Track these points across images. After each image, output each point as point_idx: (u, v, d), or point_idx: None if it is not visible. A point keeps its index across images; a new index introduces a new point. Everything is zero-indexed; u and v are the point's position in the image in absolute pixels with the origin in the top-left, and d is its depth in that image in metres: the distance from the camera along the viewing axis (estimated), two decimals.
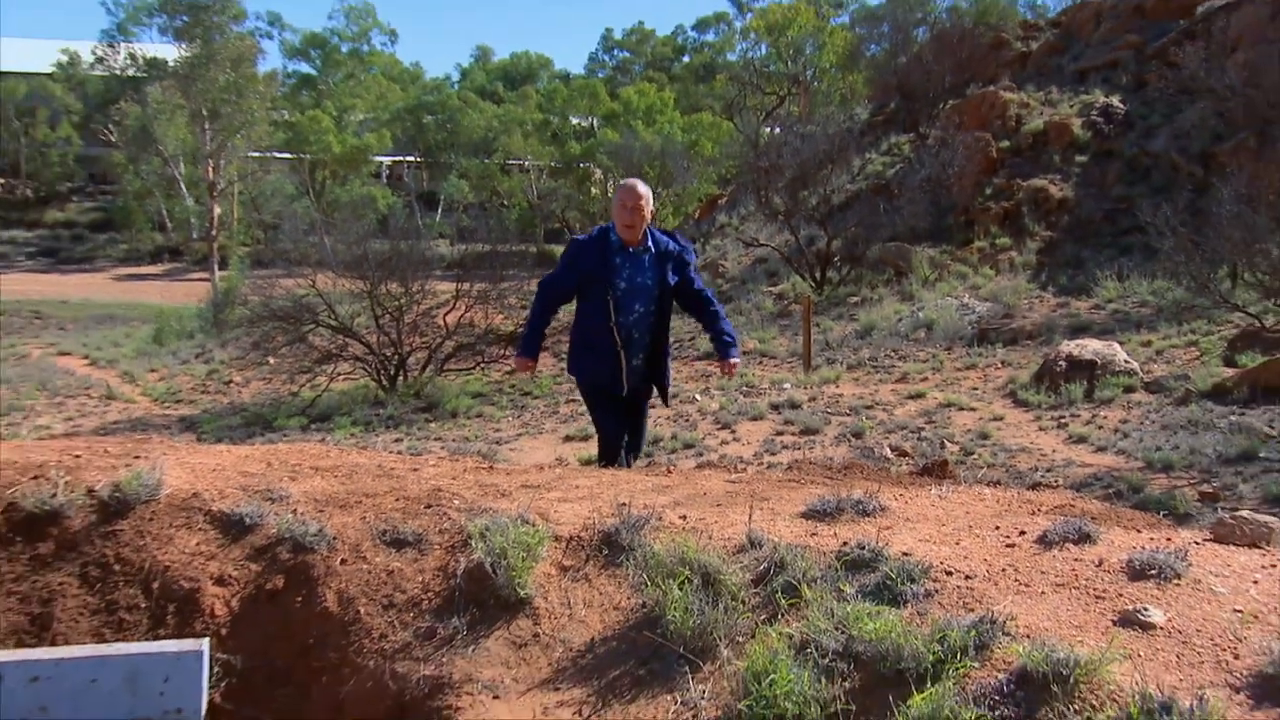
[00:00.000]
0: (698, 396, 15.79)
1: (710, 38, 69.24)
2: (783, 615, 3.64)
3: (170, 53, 54.64)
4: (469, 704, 3.57)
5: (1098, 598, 3.56)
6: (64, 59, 62.71)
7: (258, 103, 53.35)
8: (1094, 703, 3.01)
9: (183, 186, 54.13)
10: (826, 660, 3.36)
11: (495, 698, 3.59)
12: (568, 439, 13.82)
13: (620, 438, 6.65)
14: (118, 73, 58.93)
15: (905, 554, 3.87)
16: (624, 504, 4.36)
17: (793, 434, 12.69)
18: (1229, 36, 23.66)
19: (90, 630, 3.93)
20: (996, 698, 3.09)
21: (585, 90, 60.54)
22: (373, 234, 21.61)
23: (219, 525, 4.34)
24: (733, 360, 6.65)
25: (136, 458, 4.93)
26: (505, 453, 13.11)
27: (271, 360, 20.95)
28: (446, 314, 19.68)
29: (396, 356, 19.11)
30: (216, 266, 45.57)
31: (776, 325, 22.08)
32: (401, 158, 62.33)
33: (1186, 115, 23.63)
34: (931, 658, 3.24)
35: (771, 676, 3.27)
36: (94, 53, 59.99)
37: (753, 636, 3.57)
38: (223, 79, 50.95)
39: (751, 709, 3.25)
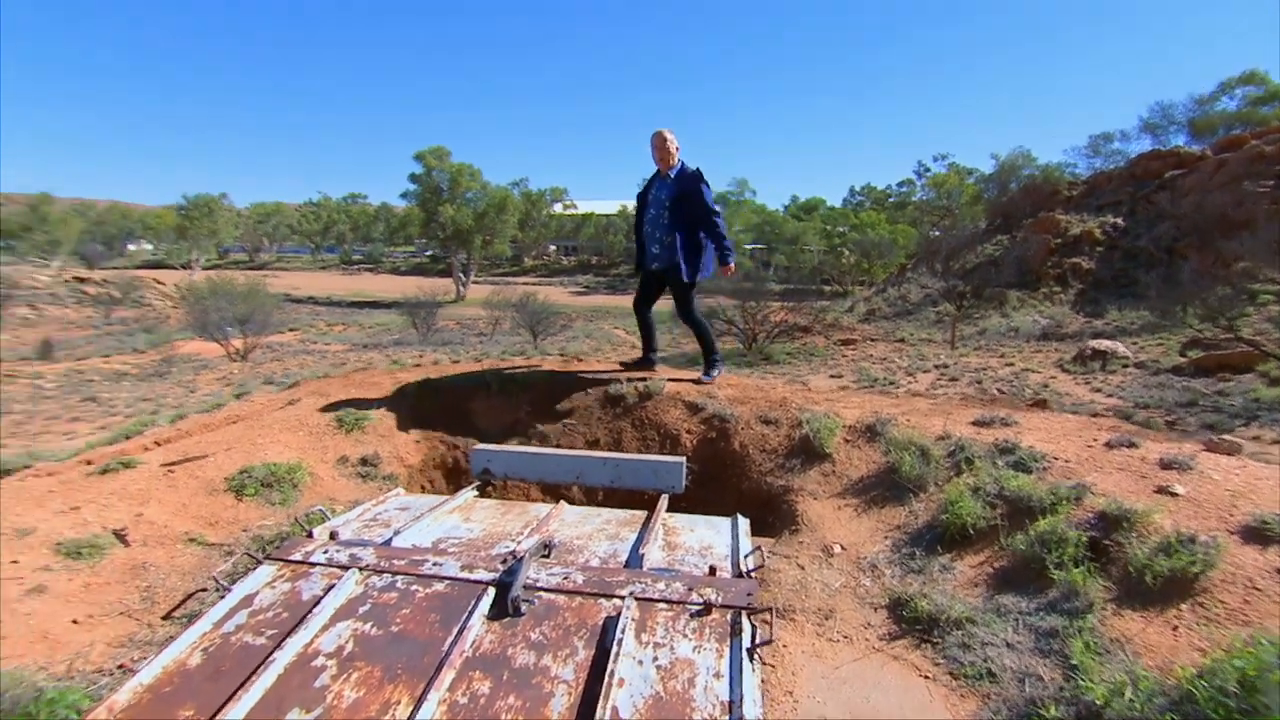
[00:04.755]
0: (895, 359, 14.39)
1: (904, 190, 62.41)
2: (963, 473, 3.13)
3: None
4: (801, 500, 3.33)
5: (1142, 477, 2.82)
6: (619, 207, 66.46)
7: None
8: (1144, 534, 2.38)
9: None
10: (989, 499, 2.86)
11: (814, 498, 3.33)
12: (832, 377, 12.96)
13: (642, 302, 4.68)
14: (612, 216, 61.83)
15: (1030, 447, 3.23)
16: (877, 411, 3.92)
17: (945, 381, 11.26)
18: (1184, 188, 19.95)
19: (635, 448, 4.00)
20: (1087, 525, 2.52)
21: (843, 214, 57.46)
22: (743, 280, 21.14)
23: (687, 407, 4.25)
24: (730, 265, 4.33)
25: (653, 377, 4.92)
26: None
27: None
28: (775, 315, 19.06)
29: (751, 333, 18.75)
30: None
31: (936, 327, 19.83)
32: (757, 245, 61.03)
33: (1159, 229, 19.62)
34: (1049, 502, 2.69)
35: (958, 503, 2.82)
36: (621, 206, 63.33)
37: (947, 482, 3.10)
38: None
39: (947, 518, 2.82)
